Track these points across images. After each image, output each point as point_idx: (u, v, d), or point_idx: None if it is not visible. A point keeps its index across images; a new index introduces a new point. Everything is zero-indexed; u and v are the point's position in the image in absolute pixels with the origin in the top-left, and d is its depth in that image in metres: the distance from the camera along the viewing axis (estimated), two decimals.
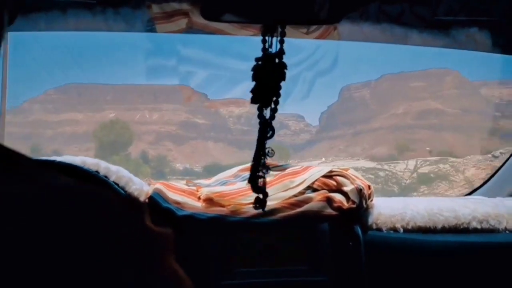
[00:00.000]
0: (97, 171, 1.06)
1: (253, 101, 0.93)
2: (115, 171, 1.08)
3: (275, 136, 0.97)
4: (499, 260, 1.08)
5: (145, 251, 0.35)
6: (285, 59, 0.94)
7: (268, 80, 0.93)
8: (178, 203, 1.07)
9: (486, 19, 1.05)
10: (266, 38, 0.94)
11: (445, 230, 1.10)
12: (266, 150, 0.97)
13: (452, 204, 1.15)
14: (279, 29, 0.94)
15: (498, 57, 1.23)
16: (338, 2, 0.93)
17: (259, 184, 0.99)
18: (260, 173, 0.98)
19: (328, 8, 0.92)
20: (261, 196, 1.00)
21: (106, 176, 1.06)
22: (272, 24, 0.94)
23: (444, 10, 1.02)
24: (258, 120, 0.94)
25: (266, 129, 0.95)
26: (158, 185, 1.12)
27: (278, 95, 0.93)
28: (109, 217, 0.34)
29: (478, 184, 1.45)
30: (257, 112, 0.94)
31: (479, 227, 1.10)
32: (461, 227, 1.10)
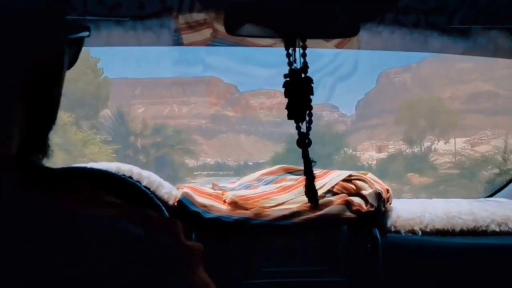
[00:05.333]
0: (130, 177, 1.19)
1: (289, 117, 1.06)
2: (147, 176, 1.21)
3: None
4: None
5: (182, 266, 0.41)
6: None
7: (298, 95, 1.04)
8: (205, 206, 1.19)
9: (502, 26, 1.10)
10: (290, 52, 1.05)
11: (464, 232, 1.17)
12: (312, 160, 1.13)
13: (471, 207, 1.22)
14: (300, 43, 1.05)
15: None
16: (355, 14, 1.02)
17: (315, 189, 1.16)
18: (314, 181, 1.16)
19: (346, 21, 1.02)
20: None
21: (138, 181, 1.19)
22: (292, 38, 1.04)
23: (460, 18, 1.09)
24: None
25: (304, 140, 1.08)
26: (186, 189, 1.23)
27: (310, 108, 1.06)
28: (148, 236, 0.41)
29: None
30: None
31: (497, 229, 1.17)
32: (480, 229, 1.17)
